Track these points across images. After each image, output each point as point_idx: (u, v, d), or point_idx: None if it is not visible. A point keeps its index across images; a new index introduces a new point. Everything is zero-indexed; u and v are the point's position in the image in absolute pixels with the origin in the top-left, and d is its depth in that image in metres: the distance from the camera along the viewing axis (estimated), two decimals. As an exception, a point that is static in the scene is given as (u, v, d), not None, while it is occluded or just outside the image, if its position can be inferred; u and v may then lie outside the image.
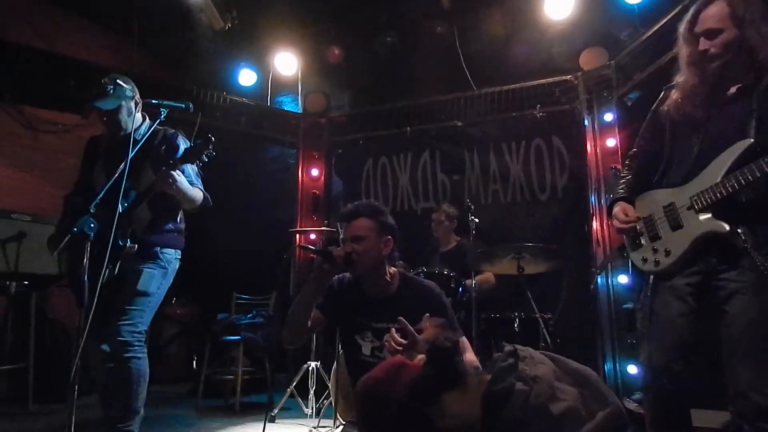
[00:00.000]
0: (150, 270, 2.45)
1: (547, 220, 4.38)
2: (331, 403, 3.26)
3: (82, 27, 4.92)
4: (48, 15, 4.74)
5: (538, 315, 3.38)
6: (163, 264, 2.51)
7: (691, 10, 1.91)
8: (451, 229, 4.21)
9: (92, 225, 1.92)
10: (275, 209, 5.36)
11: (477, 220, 3.57)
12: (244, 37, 5.02)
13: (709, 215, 1.80)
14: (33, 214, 3.92)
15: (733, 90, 1.86)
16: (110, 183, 2.19)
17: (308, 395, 3.66)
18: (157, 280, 2.48)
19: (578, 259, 4.08)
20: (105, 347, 2.33)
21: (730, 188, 1.74)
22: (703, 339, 1.87)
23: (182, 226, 2.66)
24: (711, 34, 1.83)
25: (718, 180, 1.77)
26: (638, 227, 2.00)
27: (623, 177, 2.17)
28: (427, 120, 4.95)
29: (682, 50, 1.96)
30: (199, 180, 2.63)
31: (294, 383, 3.75)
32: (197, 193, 2.53)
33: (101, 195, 2.14)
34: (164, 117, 2.40)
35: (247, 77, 5.24)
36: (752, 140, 1.74)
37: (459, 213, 4.22)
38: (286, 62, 5.12)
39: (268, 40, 5.13)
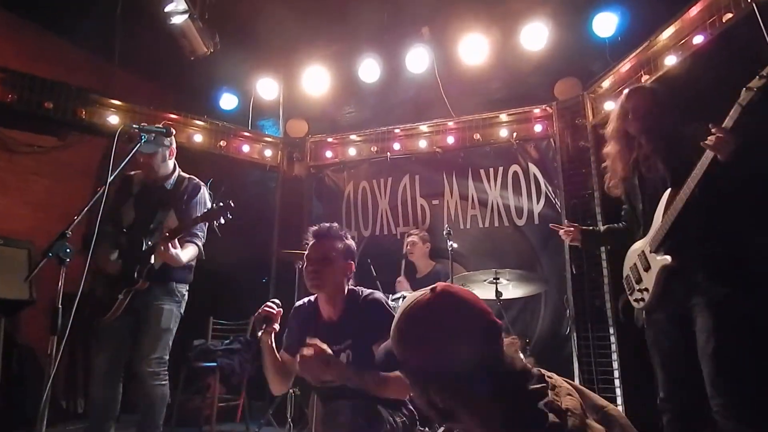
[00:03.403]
0: (169, 307, 2.79)
1: (524, 245, 4.45)
2: (309, 431, 3.21)
3: (61, 48, 4.89)
4: (27, 35, 4.72)
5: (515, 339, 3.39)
6: (178, 299, 2.85)
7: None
8: (426, 251, 4.25)
9: (68, 250, 1.89)
10: (254, 233, 5.33)
11: (455, 245, 3.60)
12: (226, 62, 5.06)
13: (661, 252, 2.16)
14: (4, 237, 3.83)
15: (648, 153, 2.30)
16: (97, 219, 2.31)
17: (286, 423, 3.59)
18: (176, 316, 2.84)
19: (555, 284, 4.14)
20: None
21: (667, 227, 2.12)
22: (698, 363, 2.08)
23: (193, 262, 2.95)
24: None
25: (660, 223, 2.17)
26: (629, 275, 2.35)
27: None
28: (407, 146, 5.04)
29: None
30: (204, 230, 2.92)
31: (271, 411, 3.68)
32: (190, 253, 2.82)
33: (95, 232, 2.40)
34: (145, 140, 2.42)
35: (228, 101, 5.27)
36: (674, 189, 2.12)
37: (430, 236, 4.30)
38: (268, 87, 5.17)
39: (250, 66, 5.18)
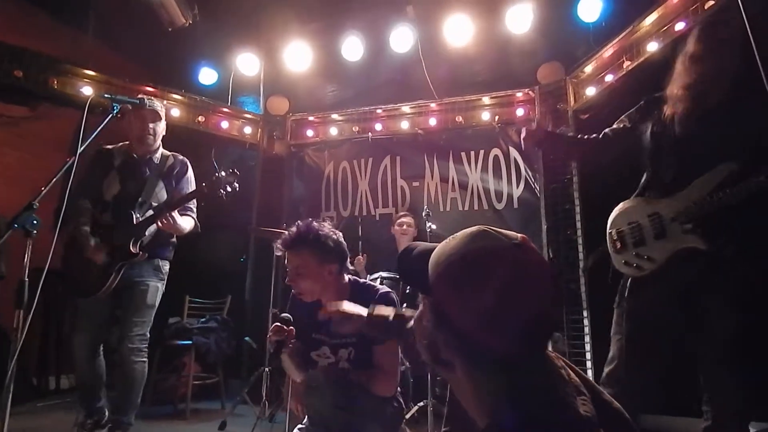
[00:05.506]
0: (155, 284, 2.84)
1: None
2: (284, 409, 3.22)
3: (31, 15, 4.69)
4: (-3, 2, 4.52)
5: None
6: (162, 276, 2.90)
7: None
8: (413, 237, 4.26)
9: (35, 222, 1.83)
10: (233, 211, 5.25)
11: (435, 227, 3.61)
12: (205, 35, 4.92)
13: (692, 229, 1.90)
14: (-28, 209, 3.71)
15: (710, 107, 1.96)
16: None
17: (261, 401, 3.60)
18: (160, 292, 2.89)
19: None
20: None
21: (713, 206, 1.84)
22: (674, 344, 2.00)
23: (174, 240, 3.02)
24: None
25: (703, 198, 1.88)
26: (624, 231, 2.09)
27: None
28: (389, 126, 5.00)
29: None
30: (195, 204, 3.00)
31: (247, 389, 3.68)
32: (190, 223, 2.93)
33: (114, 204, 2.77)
34: (117, 112, 2.35)
35: (207, 76, 5.13)
36: (735, 165, 1.84)
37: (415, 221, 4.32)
38: (248, 63, 5.06)
39: (230, 40, 5.05)
